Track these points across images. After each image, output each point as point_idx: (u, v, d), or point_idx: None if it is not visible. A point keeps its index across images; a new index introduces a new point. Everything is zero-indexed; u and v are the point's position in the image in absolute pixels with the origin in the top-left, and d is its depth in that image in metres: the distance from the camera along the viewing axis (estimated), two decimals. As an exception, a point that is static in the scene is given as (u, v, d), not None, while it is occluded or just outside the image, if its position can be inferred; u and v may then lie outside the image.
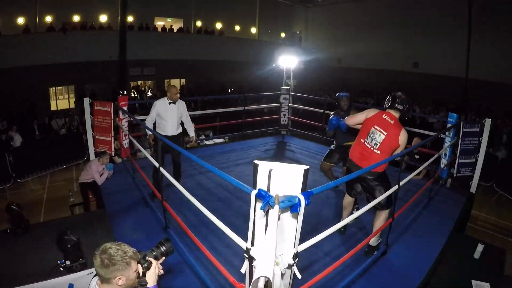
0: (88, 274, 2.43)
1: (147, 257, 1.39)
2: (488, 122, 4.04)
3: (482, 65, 11.61)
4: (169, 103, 3.66)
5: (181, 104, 3.79)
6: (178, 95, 3.69)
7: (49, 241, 2.61)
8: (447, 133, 4.23)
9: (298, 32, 19.50)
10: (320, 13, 18.32)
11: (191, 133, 4.00)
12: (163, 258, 1.47)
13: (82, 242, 2.57)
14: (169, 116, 3.67)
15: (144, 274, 1.36)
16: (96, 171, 4.16)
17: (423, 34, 13.50)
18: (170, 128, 3.71)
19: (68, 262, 2.40)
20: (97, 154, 4.47)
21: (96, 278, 1.31)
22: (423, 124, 9.22)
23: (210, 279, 2.37)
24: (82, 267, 2.43)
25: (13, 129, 7.95)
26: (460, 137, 4.14)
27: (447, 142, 4.28)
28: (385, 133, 2.59)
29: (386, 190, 2.62)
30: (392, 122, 2.63)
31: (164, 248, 1.47)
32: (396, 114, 2.66)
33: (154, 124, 3.77)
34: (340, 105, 3.86)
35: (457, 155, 4.24)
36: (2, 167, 6.25)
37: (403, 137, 2.60)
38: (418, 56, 14.04)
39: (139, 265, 1.32)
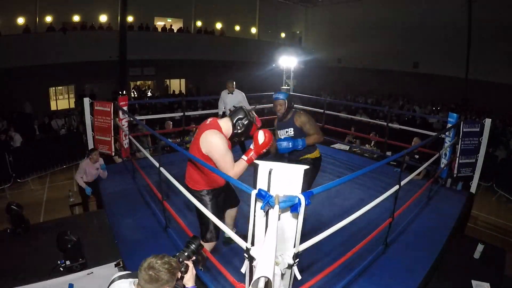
0: (88, 274, 2.43)
1: (182, 260, 1.41)
2: (488, 122, 4.04)
3: (482, 65, 11.63)
4: (228, 93, 4.90)
5: (239, 94, 4.93)
6: (234, 88, 4.87)
7: (49, 241, 2.61)
8: (447, 133, 4.23)
9: (298, 32, 19.51)
10: (320, 13, 18.33)
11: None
12: (194, 257, 1.49)
13: (82, 242, 2.57)
14: (228, 103, 4.90)
15: (182, 277, 1.39)
16: (84, 169, 4.25)
17: (423, 34, 13.51)
18: (228, 111, 4.84)
19: (68, 262, 2.40)
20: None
21: (125, 281, 1.34)
22: (423, 124, 9.23)
23: (210, 279, 2.37)
24: (82, 267, 2.43)
25: (12, 129, 7.96)
26: (460, 137, 4.14)
27: (447, 142, 4.28)
28: (194, 136, 2.14)
29: (201, 219, 2.20)
30: (208, 122, 2.10)
31: (194, 246, 1.48)
32: (222, 120, 2.13)
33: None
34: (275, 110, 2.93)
35: (457, 155, 4.24)
36: (2, 167, 6.26)
37: (206, 144, 1.98)
38: (418, 56, 14.05)
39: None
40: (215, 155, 1.98)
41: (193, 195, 2.22)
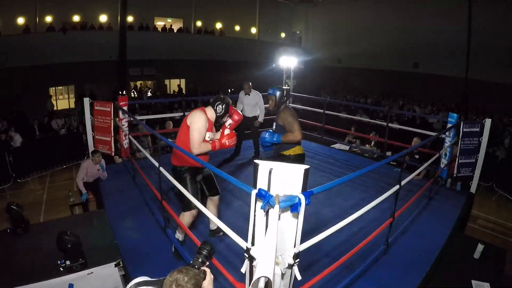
0: (88, 274, 2.43)
1: (198, 267, 1.40)
2: (488, 122, 4.04)
3: (482, 65, 11.62)
4: (245, 94, 5.06)
5: (256, 95, 5.07)
6: (250, 89, 5.03)
7: (49, 241, 2.61)
8: (447, 133, 4.23)
9: (298, 32, 19.50)
10: (320, 13, 18.32)
11: (260, 117, 5.17)
12: (208, 262, 1.48)
13: (82, 242, 2.57)
14: (246, 104, 5.10)
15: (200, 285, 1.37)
16: (85, 168, 4.24)
17: (423, 34, 13.51)
18: (246, 111, 5.10)
19: (68, 262, 2.39)
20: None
21: None
22: (423, 124, 9.22)
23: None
24: (82, 267, 2.43)
25: (13, 129, 7.95)
26: (460, 137, 4.14)
27: (447, 142, 4.28)
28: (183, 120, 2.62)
29: (180, 194, 2.50)
30: (196, 110, 2.58)
31: (206, 251, 1.47)
32: (207, 108, 2.62)
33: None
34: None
35: (457, 155, 4.24)
36: (2, 167, 6.25)
37: (192, 117, 2.49)
38: (418, 56, 14.04)
39: None
40: (192, 126, 2.47)
41: (174, 172, 2.64)
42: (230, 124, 2.62)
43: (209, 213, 2.27)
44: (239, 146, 5.30)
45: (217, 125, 2.67)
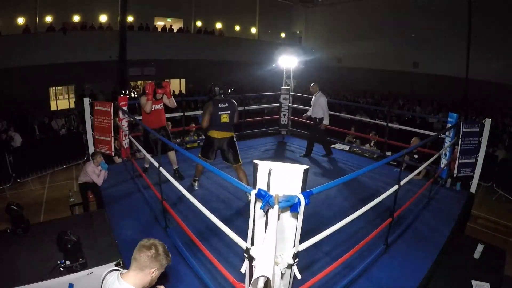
0: (88, 274, 2.42)
1: None
2: (488, 122, 4.04)
3: (482, 65, 11.62)
4: (312, 95, 5.37)
5: (321, 97, 5.23)
6: (316, 90, 5.30)
7: (49, 241, 2.61)
8: (447, 133, 4.23)
9: (298, 32, 19.50)
10: (320, 13, 18.32)
11: (325, 120, 5.20)
12: None
13: (82, 242, 2.57)
14: (312, 104, 5.33)
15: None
16: (93, 172, 4.16)
17: (423, 34, 13.51)
18: (312, 111, 5.35)
19: (68, 262, 2.39)
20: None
21: (114, 273, 1.39)
22: (423, 124, 9.22)
23: (210, 279, 2.37)
24: (82, 267, 2.43)
25: (12, 129, 7.95)
26: (460, 137, 4.13)
27: (447, 142, 4.28)
28: None
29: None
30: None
31: None
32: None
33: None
34: None
35: (457, 155, 4.23)
36: (2, 167, 6.25)
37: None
38: (418, 56, 14.04)
39: None
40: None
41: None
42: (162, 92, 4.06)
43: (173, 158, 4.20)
44: (311, 147, 5.43)
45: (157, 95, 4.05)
